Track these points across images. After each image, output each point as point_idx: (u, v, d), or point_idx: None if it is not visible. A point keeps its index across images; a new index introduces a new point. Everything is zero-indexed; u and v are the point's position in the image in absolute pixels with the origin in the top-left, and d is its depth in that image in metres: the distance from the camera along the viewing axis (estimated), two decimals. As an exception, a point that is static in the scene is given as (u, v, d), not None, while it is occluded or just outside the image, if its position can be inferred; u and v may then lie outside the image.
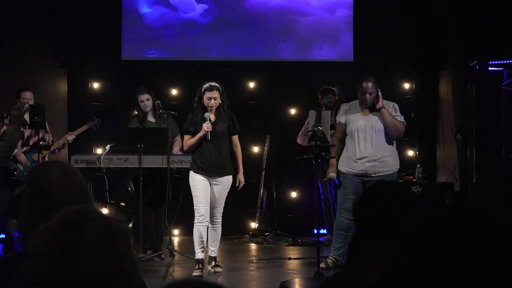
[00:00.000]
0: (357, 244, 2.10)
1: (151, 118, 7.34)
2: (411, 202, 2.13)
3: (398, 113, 6.42)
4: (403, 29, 9.05)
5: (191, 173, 6.32)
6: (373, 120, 6.33)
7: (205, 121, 6.19)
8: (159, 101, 7.21)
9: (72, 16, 8.89)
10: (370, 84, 6.29)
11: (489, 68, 7.82)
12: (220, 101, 6.28)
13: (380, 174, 6.27)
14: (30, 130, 7.09)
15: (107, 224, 1.37)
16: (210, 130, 6.17)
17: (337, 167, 6.45)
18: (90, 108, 8.87)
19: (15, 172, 7.09)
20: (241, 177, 6.43)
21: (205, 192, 6.24)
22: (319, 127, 5.76)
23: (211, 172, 6.26)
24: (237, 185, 6.41)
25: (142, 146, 6.74)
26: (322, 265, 6.12)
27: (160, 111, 7.08)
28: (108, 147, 7.06)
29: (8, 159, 3.81)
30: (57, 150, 7.45)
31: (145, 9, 9.08)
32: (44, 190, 2.02)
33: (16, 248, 6.97)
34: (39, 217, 2.00)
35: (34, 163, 6.86)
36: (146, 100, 7.25)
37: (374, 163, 6.28)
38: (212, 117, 6.27)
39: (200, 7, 9.07)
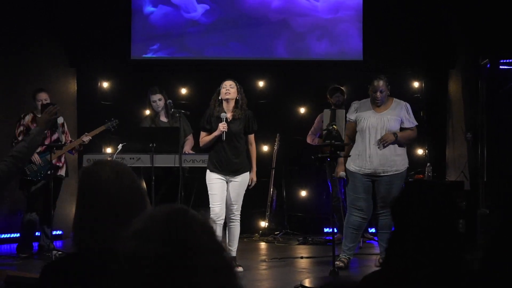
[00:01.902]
0: (396, 242, 2.10)
1: (163, 118, 7.34)
2: (449, 201, 2.13)
3: (411, 114, 6.41)
4: (412, 28, 9.05)
5: (208, 171, 6.33)
6: (385, 119, 6.31)
7: (221, 121, 6.17)
8: (170, 101, 7.20)
9: (81, 15, 8.88)
10: (381, 82, 6.31)
11: (500, 67, 7.80)
12: (238, 97, 6.26)
13: (389, 173, 6.28)
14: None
15: (205, 221, 1.38)
16: (226, 130, 6.16)
17: (345, 165, 6.45)
18: (100, 107, 8.88)
19: (28, 172, 7.05)
20: (253, 176, 6.41)
21: (221, 190, 6.23)
22: (333, 126, 5.76)
23: (226, 171, 6.25)
24: (249, 183, 6.39)
25: (154, 145, 6.74)
26: (339, 263, 6.13)
27: (172, 110, 7.07)
28: (120, 146, 7.05)
29: (25, 161, 3.70)
30: (74, 151, 7.42)
31: (151, 8, 9.08)
32: (95, 189, 2.01)
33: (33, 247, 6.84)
34: (94, 217, 1.99)
35: (48, 164, 6.84)
36: (158, 100, 7.26)
37: (384, 162, 6.27)
38: (229, 115, 6.25)
39: (201, 7, 9.07)
